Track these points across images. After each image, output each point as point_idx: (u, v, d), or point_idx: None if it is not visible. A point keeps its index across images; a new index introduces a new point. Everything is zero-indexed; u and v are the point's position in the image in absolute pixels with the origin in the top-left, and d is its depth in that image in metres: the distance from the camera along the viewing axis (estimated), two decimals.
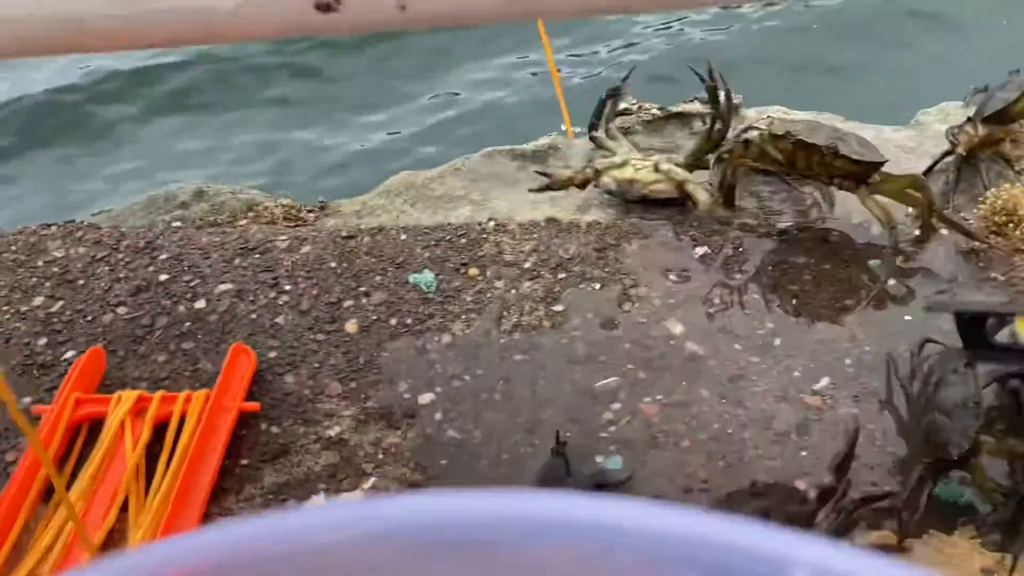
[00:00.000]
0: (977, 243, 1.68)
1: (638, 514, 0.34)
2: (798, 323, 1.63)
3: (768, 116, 2.07)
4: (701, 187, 1.83)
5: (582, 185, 1.93)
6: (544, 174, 1.97)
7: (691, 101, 2.17)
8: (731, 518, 0.36)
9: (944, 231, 1.75)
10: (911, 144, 2.04)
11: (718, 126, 1.88)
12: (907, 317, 1.61)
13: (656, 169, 1.88)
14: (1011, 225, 1.65)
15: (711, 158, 1.89)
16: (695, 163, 1.89)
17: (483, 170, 2.13)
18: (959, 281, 1.67)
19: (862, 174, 1.68)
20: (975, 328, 1.37)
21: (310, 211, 2.13)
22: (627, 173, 1.89)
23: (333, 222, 2.05)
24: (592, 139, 2.05)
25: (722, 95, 1.86)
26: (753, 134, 1.84)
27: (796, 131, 1.68)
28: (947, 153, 1.88)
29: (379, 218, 2.03)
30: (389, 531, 0.34)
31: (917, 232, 1.74)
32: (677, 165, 1.89)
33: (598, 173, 1.91)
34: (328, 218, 2.09)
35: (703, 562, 0.34)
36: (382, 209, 2.07)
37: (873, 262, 1.72)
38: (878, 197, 1.69)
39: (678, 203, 1.89)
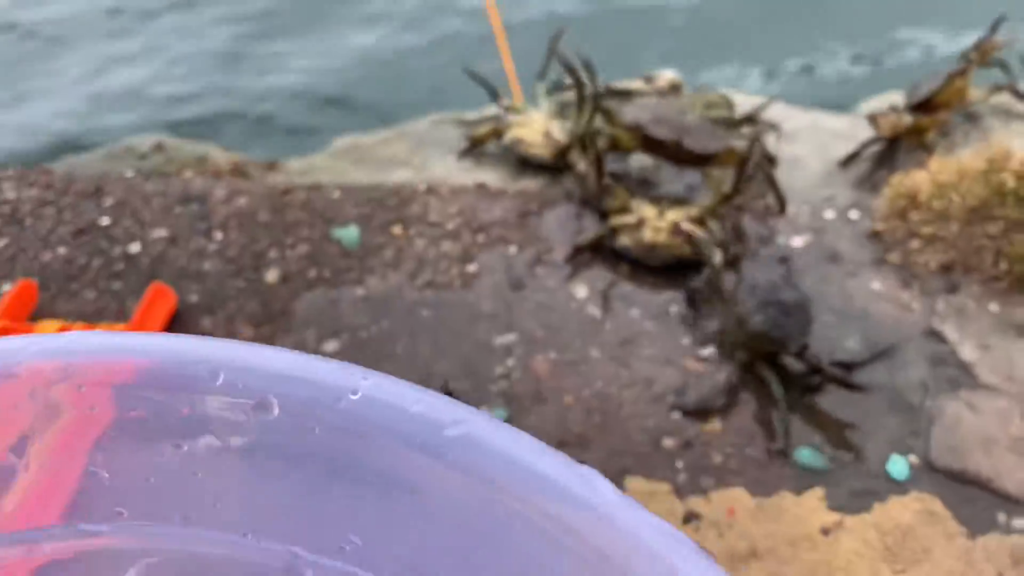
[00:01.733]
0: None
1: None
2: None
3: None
4: (581, 159, 1.88)
5: (488, 139, 2.06)
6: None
7: (633, 79, 2.20)
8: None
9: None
10: (847, 131, 2.07)
11: (585, 115, 1.93)
12: None
13: (545, 134, 1.94)
14: (912, 210, 1.68)
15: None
16: (579, 137, 1.92)
17: (428, 136, 2.19)
18: (862, 263, 1.70)
19: (706, 159, 1.77)
20: None
21: (257, 167, 2.20)
22: (517, 133, 1.97)
23: (277, 178, 2.12)
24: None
25: (584, 78, 1.95)
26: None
27: (644, 120, 1.77)
28: (873, 140, 1.91)
29: (321, 177, 2.09)
30: None
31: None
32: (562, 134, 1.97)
33: (499, 132, 2.01)
34: (274, 174, 2.16)
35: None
36: (327, 169, 2.13)
37: (779, 239, 1.76)
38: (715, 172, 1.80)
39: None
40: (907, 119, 1.87)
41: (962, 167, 1.68)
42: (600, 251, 1.76)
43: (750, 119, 1.93)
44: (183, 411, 0.39)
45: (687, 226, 1.64)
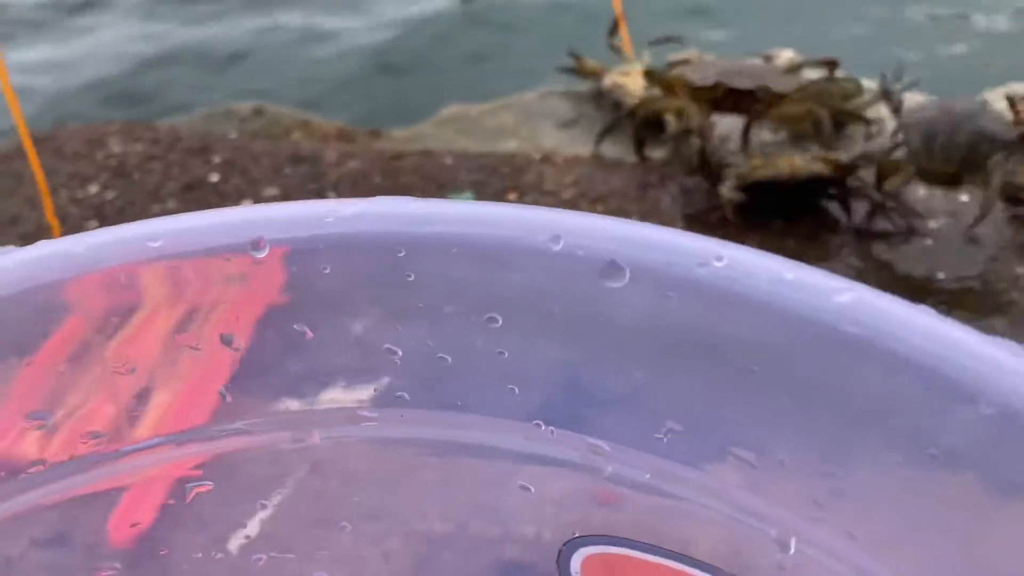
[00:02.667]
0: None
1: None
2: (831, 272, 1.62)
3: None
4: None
5: (592, 72, 2.08)
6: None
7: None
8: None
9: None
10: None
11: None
12: (940, 275, 1.59)
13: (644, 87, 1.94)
14: None
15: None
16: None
17: (536, 108, 2.15)
18: (1002, 246, 1.64)
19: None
20: None
21: (362, 135, 2.17)
22: (619, 79, 1.99)
23: (383, 145, 2.09)
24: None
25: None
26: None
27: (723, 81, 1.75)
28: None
29: (429, 144, 2.06)
30: None
31: None
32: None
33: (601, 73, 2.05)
34: (380, 141, 2.13)
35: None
36: (432, 137, 2.10)
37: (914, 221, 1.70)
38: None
39: None
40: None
41: None
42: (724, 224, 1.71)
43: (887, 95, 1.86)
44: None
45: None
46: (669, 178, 1.85)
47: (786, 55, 2.12)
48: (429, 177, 1.90)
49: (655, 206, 1.79)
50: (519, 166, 1.91)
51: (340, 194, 1.86)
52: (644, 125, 1.87)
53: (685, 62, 2.14)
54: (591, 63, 2.09)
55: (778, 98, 1.74)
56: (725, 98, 1.74)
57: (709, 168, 1.74)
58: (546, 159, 1.92)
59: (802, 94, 1.78)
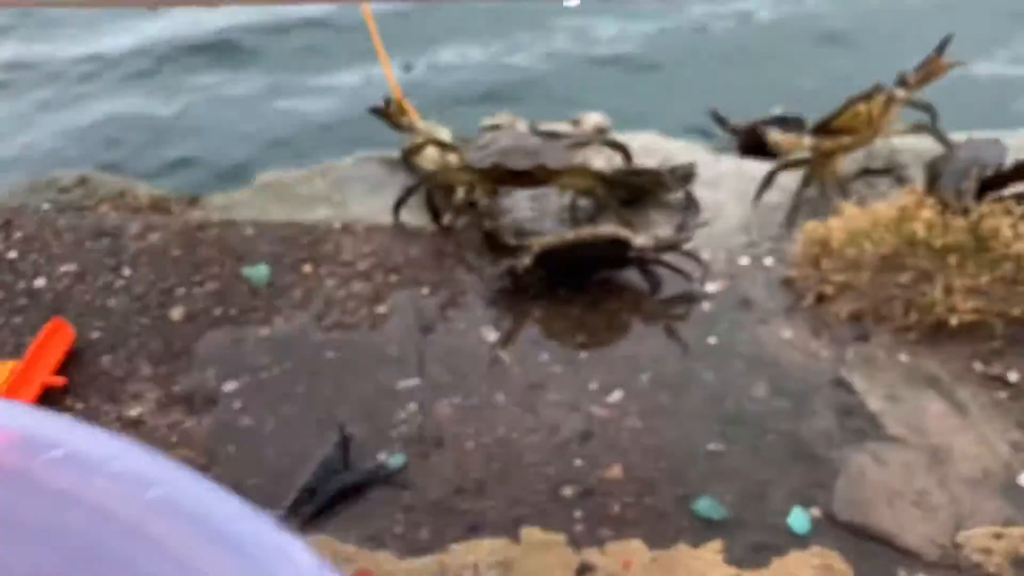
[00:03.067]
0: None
1: None
2: (608, 338, 1.65)
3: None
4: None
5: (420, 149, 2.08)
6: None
7: (564, 121, 2.20)
8: None
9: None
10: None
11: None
12: (711, 340, 1.63)
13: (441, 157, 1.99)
14: (824, 258, 1.67)
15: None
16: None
17: (351, 174, 2.16)
18: (773, 310, 1.69)
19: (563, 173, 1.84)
20: None
21: (178, 203, 2.15)
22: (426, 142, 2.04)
23: (195, 214, 2.07)
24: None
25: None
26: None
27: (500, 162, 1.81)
28: (783, 164, 1.91)
29: (242, 213, 2.05)
30: None
31: None
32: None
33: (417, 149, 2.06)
34: (195, 210, 2.11)
35: None
36: (247, 205, 2.09)
37: (694, 286, 1.74)
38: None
39: None
40: (805, 141, 1.87)
41: (875, 215, 1.67)
42: (518, 292, 1.73)
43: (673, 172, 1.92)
44: None
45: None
46: (466, 247, 1.86)
47: (593, 118, 2.17)
48: (228, 249, 1.89)
49: (450, 275, 1.81)
50: (319, 236, 1.91)
51: (137, 269, 1.84)
52: (440, 194, 1.89)
53: (496, 127, 2.18)
54: (405, 118, 2.10)
55: (556, 174, 1.79)
56: (505, 176, 1.79)
57: (495, 243, 1.78)
58: (347, 228, 1.92)
59: (578, 171, 1.84)
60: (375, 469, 1.43)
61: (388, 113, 2.10)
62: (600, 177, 1.84)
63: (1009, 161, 1.74)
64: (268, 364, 1.63)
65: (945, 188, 1.69)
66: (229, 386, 1.59)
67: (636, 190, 1.90)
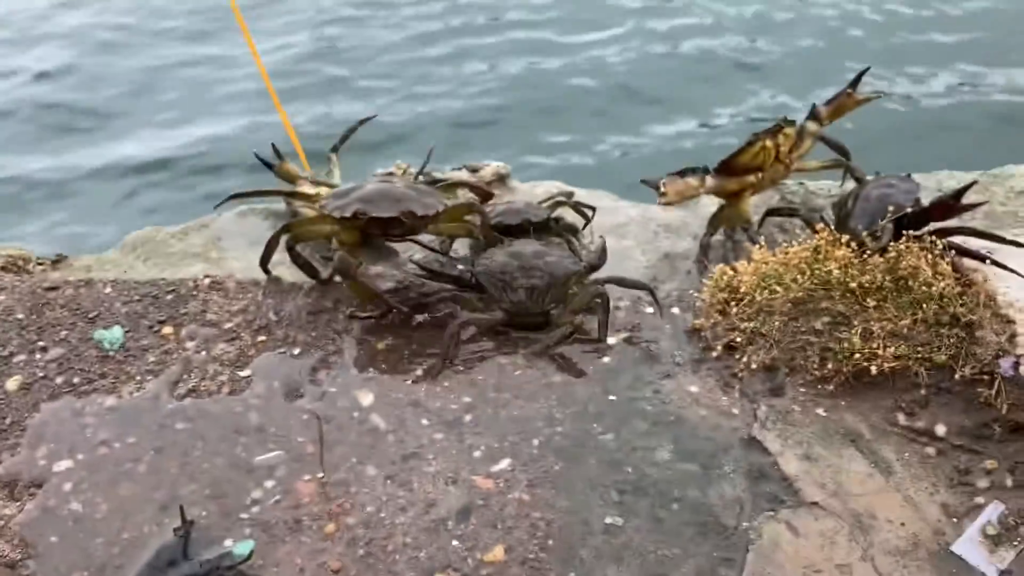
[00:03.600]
0: None
1: None
2: (497, 399, 1.47)
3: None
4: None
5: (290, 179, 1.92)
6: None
7: (459, 168, 2.05)
8: None
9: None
10: (677, 224, 1.93)
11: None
12: (611, 397, 1.46)
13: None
14: (732, 304, 1.53)
15: None
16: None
17: (231, 228, 1.98)
18: (679, 362, 1.53)
19: (433, 221, 1.68)
20: None
21: (40, 263, 1.94)
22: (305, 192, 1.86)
23: (55, 275, 1.87)
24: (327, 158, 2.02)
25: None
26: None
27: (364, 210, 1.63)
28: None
29: (105, 273, 1.85)
30: None
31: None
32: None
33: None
34: (56, 271, 1.90)
35: None
36: (113, 264, 1.89)
37: (545, 345, 1.58)
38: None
39: None
40: (697, 184, 1.73)
41: (787, 257, 1.54)
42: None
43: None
44: None
45: None
46: (346, 302, 1.69)
47: (492, 167, 2.03)
48: (81, 311, 1.69)
49: (324, 334, 1.62)
50: (184, 294, 1.72)
51: None
52: (309, 248, 1.73)
53: (390, 175, 2.02)
54: (290, 167, 1.94)
55: (422, 219, 1.63)
56: (371, 224, 1.62)
57: (362, 297, 1.62)
58: (216, 285, 1.74)
59: (450, 215, 1.69)
60: (217, 559, 1.22)
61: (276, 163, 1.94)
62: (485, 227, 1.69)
63: (924, 197, 1.62)
64: (109, 439, 1.42)
65: (857, 227, 1.56)
66: (61, 465, 1.38)
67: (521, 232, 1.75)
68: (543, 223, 1.77)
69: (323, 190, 1.82)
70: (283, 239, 1.70)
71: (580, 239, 1.82)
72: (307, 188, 1.85)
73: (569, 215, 1.89)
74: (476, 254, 1.70)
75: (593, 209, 1.87)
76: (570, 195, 1.90)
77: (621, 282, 1.60)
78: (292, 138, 1.99)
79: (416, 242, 1.74)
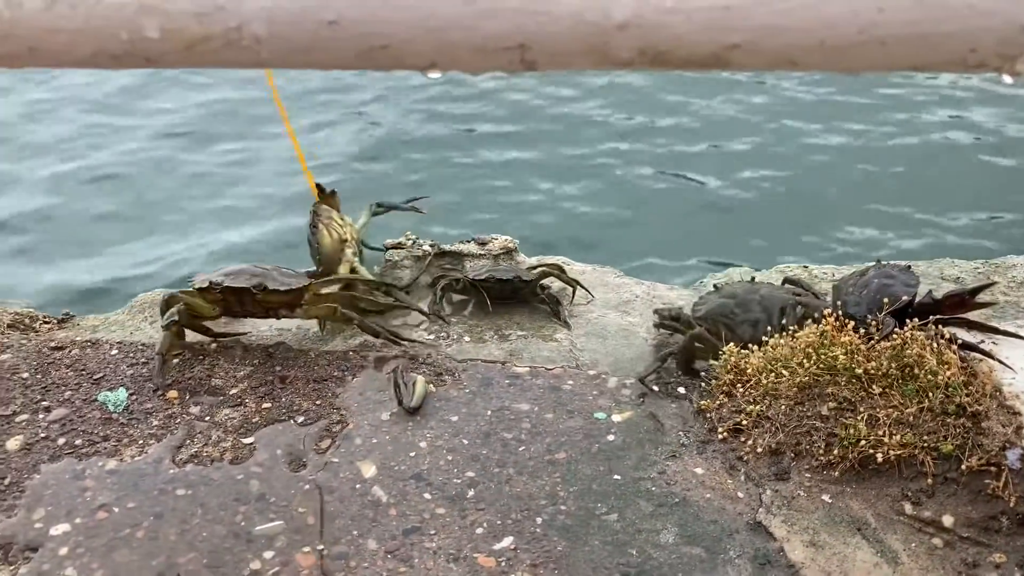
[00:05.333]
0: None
1: None
2: (500, 474, 1.46)
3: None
4: None
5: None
6: None
7: (467, 241, 2.07)
8: None
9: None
10: (682, 302, 1.94)
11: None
12: (616, 477, 1.45)
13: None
14: (738, 385, 1.53)
15: None
16: None
17: None
18: (685, 443, 1.52)
19: (293, 300, 1.74)
20: None
21: (47, 322, 1.95)
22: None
23: (62, 334, 1.87)
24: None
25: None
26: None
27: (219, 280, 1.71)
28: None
29: (111, 334, 1.85)
30: None
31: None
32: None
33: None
34: (61, 331, 1.91)
35: None
36: (119, 325, 1.90)
37: (599, 414, 1.58)
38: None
39: None
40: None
41: (794, 341, 1.54)
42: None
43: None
44: None
45: None
46: (354, 370, 1.69)
47: (501, 240, 2.05)
48: (86, 371, 1.69)
49: (328, 401, 1.62)
50: (191, 357, 1.72)
51: None
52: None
53: (399, 245, 2.04)
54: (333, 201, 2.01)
55: (273, 294, 1.70)
56: (228, 296, 1.70)
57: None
58: (225, 347, 1.74)
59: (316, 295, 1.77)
60: None
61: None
62: (343, 300, 1.75)
63: (925, 286, 1.64)
64: (108, 503, 1.41)
65: (855, 313, 1.57)
66: (58, 529, 1.36)
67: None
68: (532, 284, 1.83)
69: (349, 229, 1.89)
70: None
71: (562, 308, 1.85)
72: (336, 220, 1.92)
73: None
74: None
75: (577, 283, 1.91)
76: (561, 268, 1.94)
77: None
78: (303, 166, 2.06)
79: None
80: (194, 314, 1.72)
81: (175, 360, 1.72)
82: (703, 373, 1.64)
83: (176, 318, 1.66)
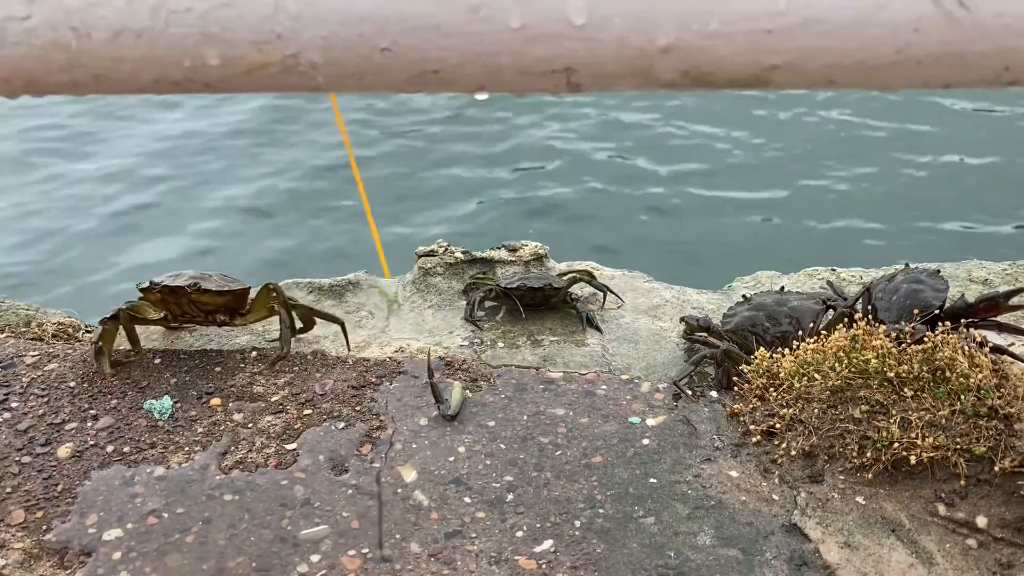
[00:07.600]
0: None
1: None
2: (538, 478, 1.49)
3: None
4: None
5: None
6: None
7: (498, 248, 2.10)
8: None
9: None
10: (711, 306, 1.96)
11: None
12: (652, 480, 1.48)
13: None
14: (771, 389, 1.55)
15: None
16: None
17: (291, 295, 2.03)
18: (719, 447, 1.55)
19: (234, 304, 1.78)
20: None
21: (89, 330, 2.00)
22: None
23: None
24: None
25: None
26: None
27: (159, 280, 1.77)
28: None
29: (153, 343, 1.90)
30: None
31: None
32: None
33: None
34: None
35: None
36: (161, 334, 1.94)
37: (633, 419, 1.60)
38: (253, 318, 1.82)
39: None
40: None
41: (825, 345, 1.56)
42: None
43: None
44: None
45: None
46: (388, 378, 1.72)
47: (531, 246, 2.08)
48: (131, 380, 1.73)
49: (367, 407, 1.65)
50: (232, 366, 1.76)
51: (26, 400, 1.68)
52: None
53: (431, 252, 2.08)
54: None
55: (206, 294, 1.75)
56: (167, 296, 1.75)
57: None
58: (263, 357, 1.78)
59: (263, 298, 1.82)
60: None
61: None
62: (284, 304, 1.79)
63: (953, 287, 1.65)
64: (158, 509, 1.45)
65: (885, 319, 1.59)
66: (111, 534, 1.41)
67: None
68: (563, 291, 1.85)
69: None
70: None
71: (594, 312, 1.89)
72: None
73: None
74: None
75: (608, 288, 1.94)
76: (591, 273, 1.96)
77: None
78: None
79: None
80: (136, 315, 1.78)
81: (132, 359, 1.80)
82: (736, 379, 1.66)
83: (109, 314, 1.74)
